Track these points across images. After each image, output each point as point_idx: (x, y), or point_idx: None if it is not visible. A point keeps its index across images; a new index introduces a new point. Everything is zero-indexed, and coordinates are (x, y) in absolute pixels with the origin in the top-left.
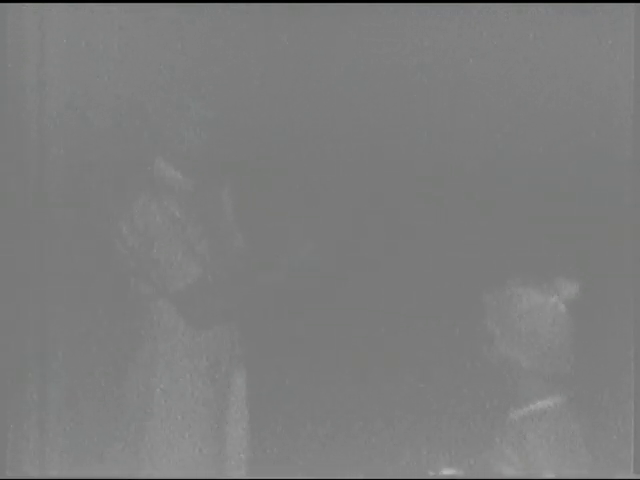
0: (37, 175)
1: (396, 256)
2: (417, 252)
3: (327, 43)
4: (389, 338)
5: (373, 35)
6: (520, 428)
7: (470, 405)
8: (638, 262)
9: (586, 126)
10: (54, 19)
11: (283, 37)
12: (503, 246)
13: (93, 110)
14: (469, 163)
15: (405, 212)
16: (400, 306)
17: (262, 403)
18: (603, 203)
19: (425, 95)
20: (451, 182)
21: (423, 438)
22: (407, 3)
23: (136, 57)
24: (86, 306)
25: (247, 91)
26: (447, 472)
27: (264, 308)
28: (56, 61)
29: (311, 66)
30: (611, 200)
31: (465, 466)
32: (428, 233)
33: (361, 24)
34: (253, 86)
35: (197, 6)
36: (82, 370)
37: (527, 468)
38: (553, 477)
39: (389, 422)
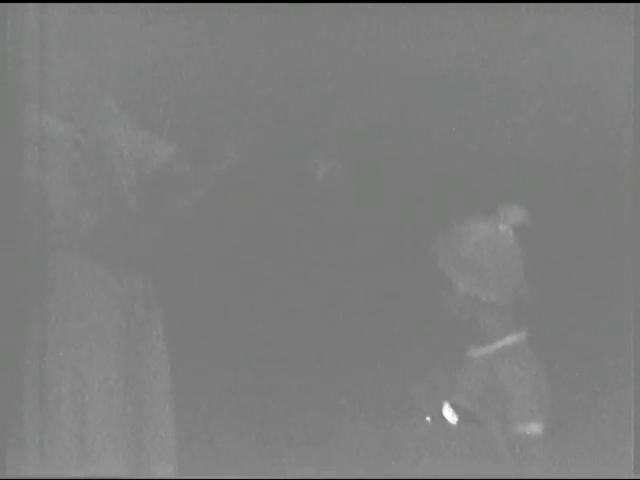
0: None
1: (335, 202)
2: (359, 199)
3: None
4: (340, 290)
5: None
6: (484, 365)
7: (433, 347)
8: (586, 181)
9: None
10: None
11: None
12: (443, 182)
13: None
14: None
15: (343, 155)
16: (351, 256)
17: (182, 365)
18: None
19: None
20: (401, 127)
21: (389, 382)
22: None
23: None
24: None
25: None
26: (448, 415)
27: (173, 256)
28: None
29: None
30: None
31: (427, 406)
32: (368, 175)
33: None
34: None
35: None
36: None
37: (495, 406)
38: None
39: (348, 377)
